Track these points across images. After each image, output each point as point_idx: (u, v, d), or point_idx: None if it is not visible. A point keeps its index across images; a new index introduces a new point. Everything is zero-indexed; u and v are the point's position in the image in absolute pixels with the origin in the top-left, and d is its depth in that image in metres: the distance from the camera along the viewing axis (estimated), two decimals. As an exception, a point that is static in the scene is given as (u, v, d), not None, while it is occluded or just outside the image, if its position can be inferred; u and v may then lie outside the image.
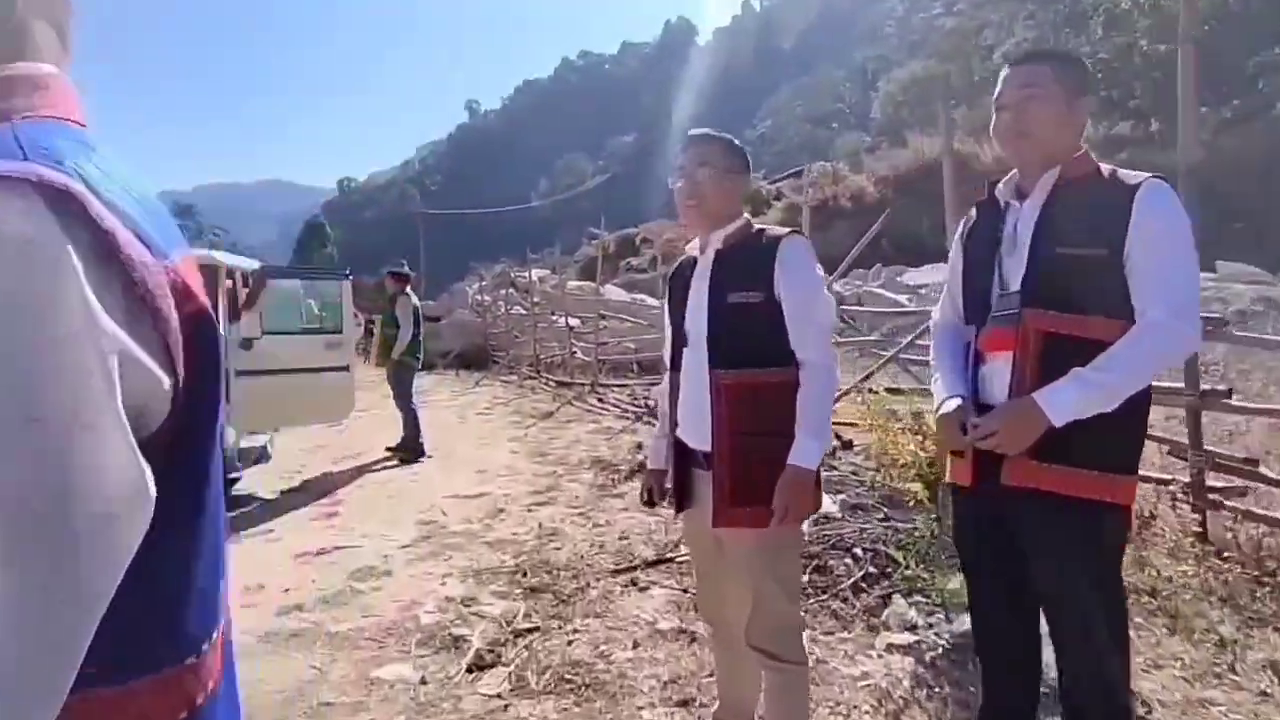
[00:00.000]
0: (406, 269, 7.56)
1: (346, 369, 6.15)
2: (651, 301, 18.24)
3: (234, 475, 5.73)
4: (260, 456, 6.82)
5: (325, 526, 5.06)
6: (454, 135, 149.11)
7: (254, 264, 6.31)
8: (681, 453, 2.10)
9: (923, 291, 19.38)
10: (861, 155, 39.98)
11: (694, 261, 2.08)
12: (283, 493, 6.04)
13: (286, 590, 3.86)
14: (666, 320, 2.19)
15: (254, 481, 6.33)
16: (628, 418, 9.40)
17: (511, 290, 18.96)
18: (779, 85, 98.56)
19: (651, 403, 10.32)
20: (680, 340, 2.07)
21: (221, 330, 5.68)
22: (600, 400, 10.97)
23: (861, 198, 30.15)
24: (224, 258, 5.94)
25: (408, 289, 7.41)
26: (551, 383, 13.63)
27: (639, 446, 7.01)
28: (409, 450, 7.18)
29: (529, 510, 5.23)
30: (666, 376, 2.20)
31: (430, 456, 7.25)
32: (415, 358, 7.39)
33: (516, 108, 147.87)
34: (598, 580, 3.81)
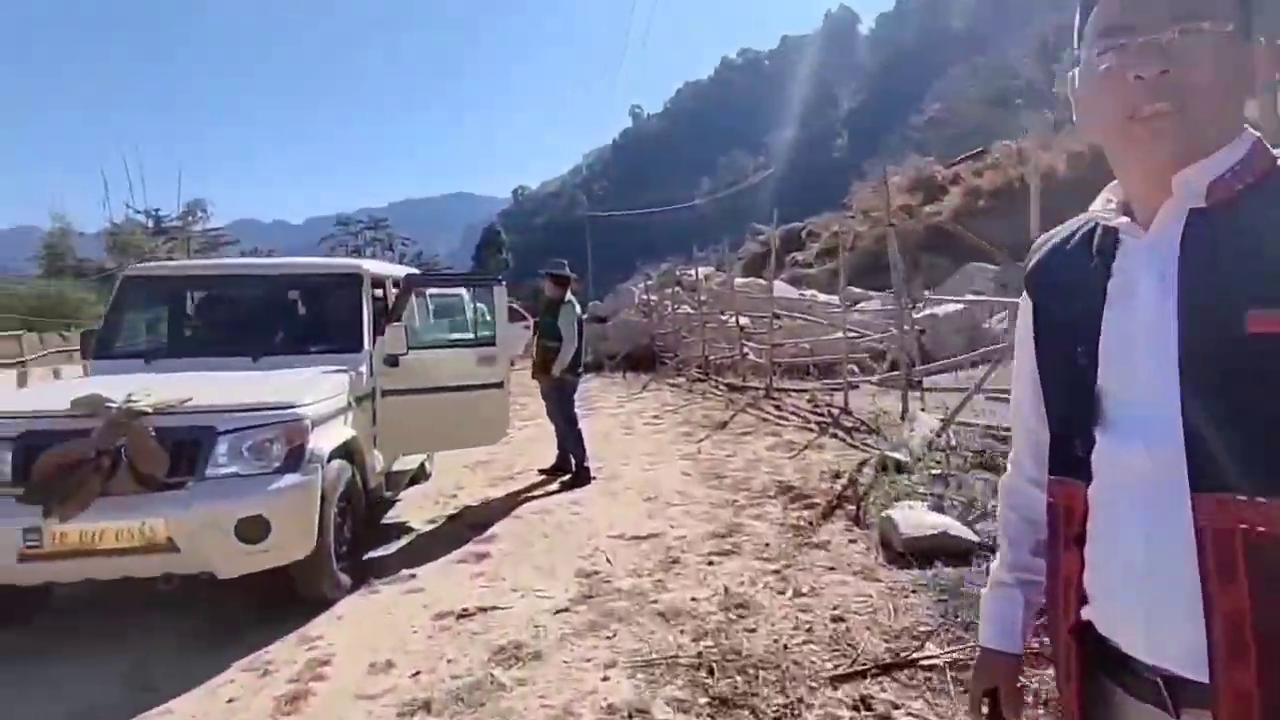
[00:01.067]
0: (567, 269, 6.76)
1: (501, 386, 5.46)
2: (824, 298, 16.76)
3: (387, 499, 5.19)
4: (418, 476, 6.35)
5: (473, 573, 4.34)
6: (618, 140, 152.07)
7: (403, 271, 5.78)
8: (1101, 658, 0.95)
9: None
10: (1043, 135, 35.87)
11: (1114, 241, 0.95)
12: (434, 523, 5.45)
13: (416, 674, 3.10)
14: (1029, 362, 1.04)
15: (409, 507, 5.82)
16: (811, 429, 8.19)
17: (678, 289, 18.16)
18: (948, 67, 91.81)
19: (835, 411, 9.07)
20: (1086, 414, 0.91)
21: (366, 345, 5.22)
22: (778, 407, 9.81)
23: (1054, 176, 26.71)
24: (370, 265, 5.43)
25: (569, 294, 6.63)
26: (722, 386, 12.62)
27: (836, 476, 5.81)
28: (571, 474, 6.43)
29: (709, 563, 4.23)
30: (1021, 476, 1.11)
31: (595, 479, 6.46)
32: (577, 373, 6.61)
33: (678, 110, 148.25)
34: (812, 691, 2.73)
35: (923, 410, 8.00)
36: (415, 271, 5.80)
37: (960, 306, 12.76)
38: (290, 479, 3.69)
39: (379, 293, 5.50)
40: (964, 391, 8.00)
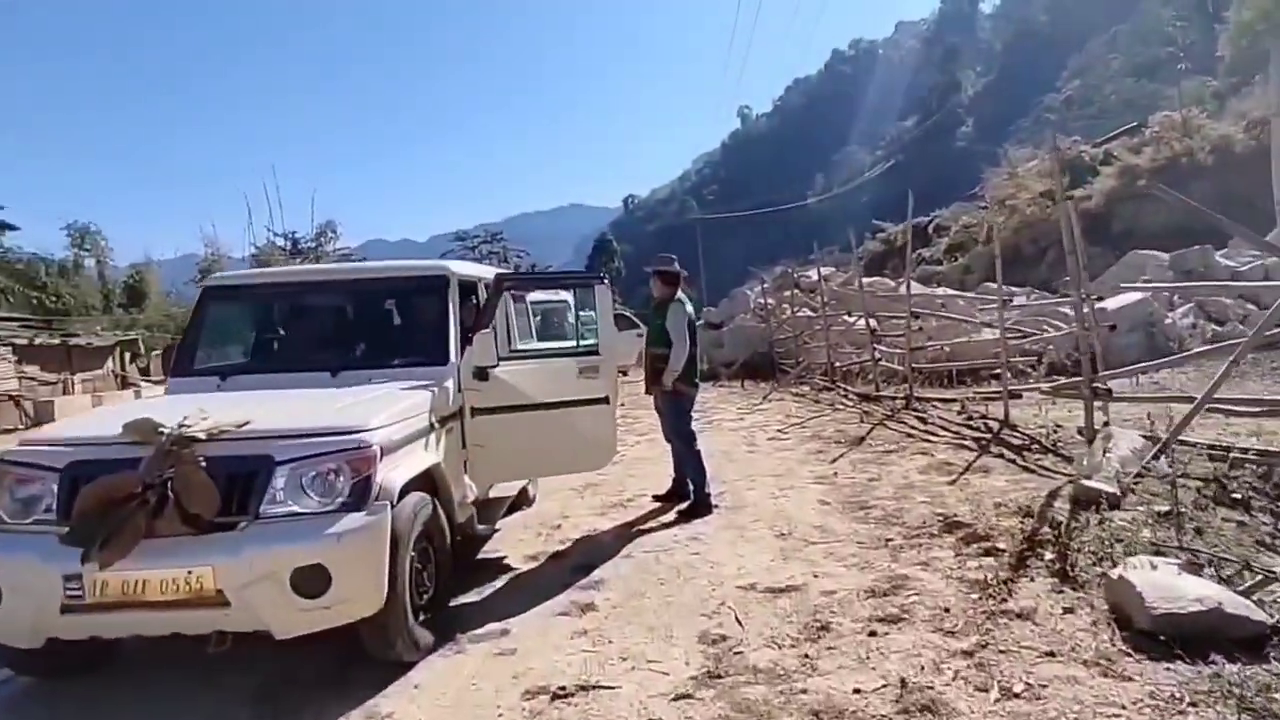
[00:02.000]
0: (676, 265, 5.94)
1: (606, 401, 4.70)
2: (962, 297, 15.13)
3: (481, 534, 4.56)
4: (520, 502, 5.69)
5: (575, 631, 3.58)
6: (727, 144, 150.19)
7: (494, 272, 5.12)
8: None
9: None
10: (1207, 103, 31.98)
11: None
12: (534, 560, 4.75)
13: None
14: None
15: (506, 539, 5.15)
16: (967, 447, 7.00)
17: (796, 291, 16.94)
18: (1086, 39, 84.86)
19: (994, 425, 7.76)
20: None
21: (452, 357, 4.58)
22: (922, 420, 8.61)
23: (1228, 148, 23.43)
24: (458, 267, 4.80)
25: (680, 293, 5.80)
26: (852, 396, 11.45)
27: (1021, 512, 4.67)
28: (690, 503, 5.59)
29: (870, 633, 3.27)
30: None
31: (717, 508, 5.60)
32: (694, 383, 5.76)
33: (788, 108, 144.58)
34: None
35: (1107, 423, 6.66)
36: (507, 270, 5.13)
37: (1136, 298, 10.99)
38: (353, 519, 3.05)
39: (472, 300, 4.88)
40: (1157, 400, 6.62)
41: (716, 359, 16.76)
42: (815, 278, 17.32)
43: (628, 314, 17.93)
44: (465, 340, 4.37)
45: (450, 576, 3.83)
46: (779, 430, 9.23)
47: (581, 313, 5.41)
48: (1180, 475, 4.56)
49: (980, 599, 3.47)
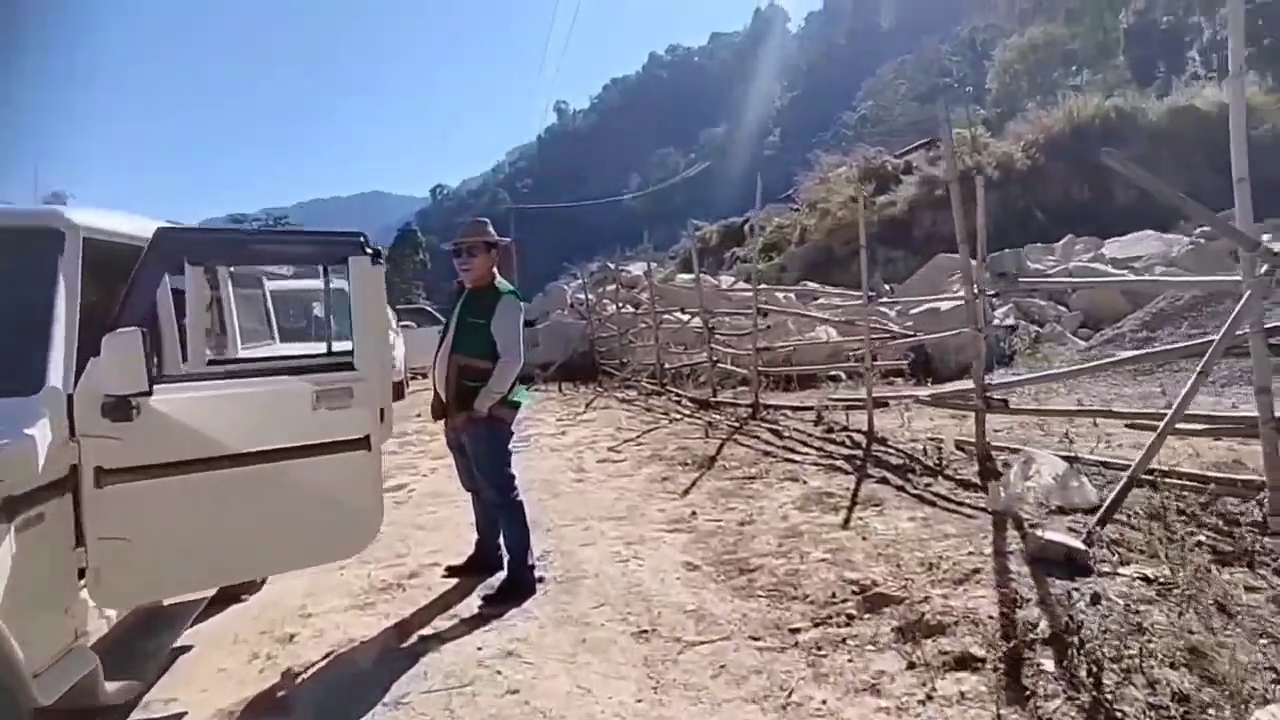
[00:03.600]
0: (490, 228, 4.01)
1: (366, 445, 2.85)
2: (799, 293, 14.52)
3: (116, 699, 2.52)
4: (240, 589, 3.63)
5: None
6: (543, 137, 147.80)
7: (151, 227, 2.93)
8: None
9: (1138, 266, 14.92)
10: (978, 127, 35.20)
11: None
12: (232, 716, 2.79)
13: None
14: None
15: (202, 670, 3.13)
16: (841, 468, 5.84)
17: (618, 286, 15.56)
18: (878, 65, 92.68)
19: (860, 438, 6.74)
20: None
21: (53, 378, 2.38)
22: (775, 433, 7.44)
23: (1011, 165, 25.44)
24: (83, 215, 2.67)
25: (497, 280, 4.02)
26: (687, 402, 10.20)
27: (968, 582, 3.39)
28: (504, 580, 3.84)
29: None
30: None
31: (542, 581, 3.91)
32: (514, 403, 3.96)
33: (606, 106, 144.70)
34: None
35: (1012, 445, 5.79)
36: (178, 225, 3.01)
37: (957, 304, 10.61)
38: None
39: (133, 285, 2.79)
40: (1061, 413, 5.84)
41: (531, 360, 15.05)
42: (639, 273, 16.15)
43: (429, 309, 15.79)
44: (89, 349, 2.35)
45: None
46: (610, 449, 7.67)
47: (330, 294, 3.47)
48: (1159, 513, 3.52)
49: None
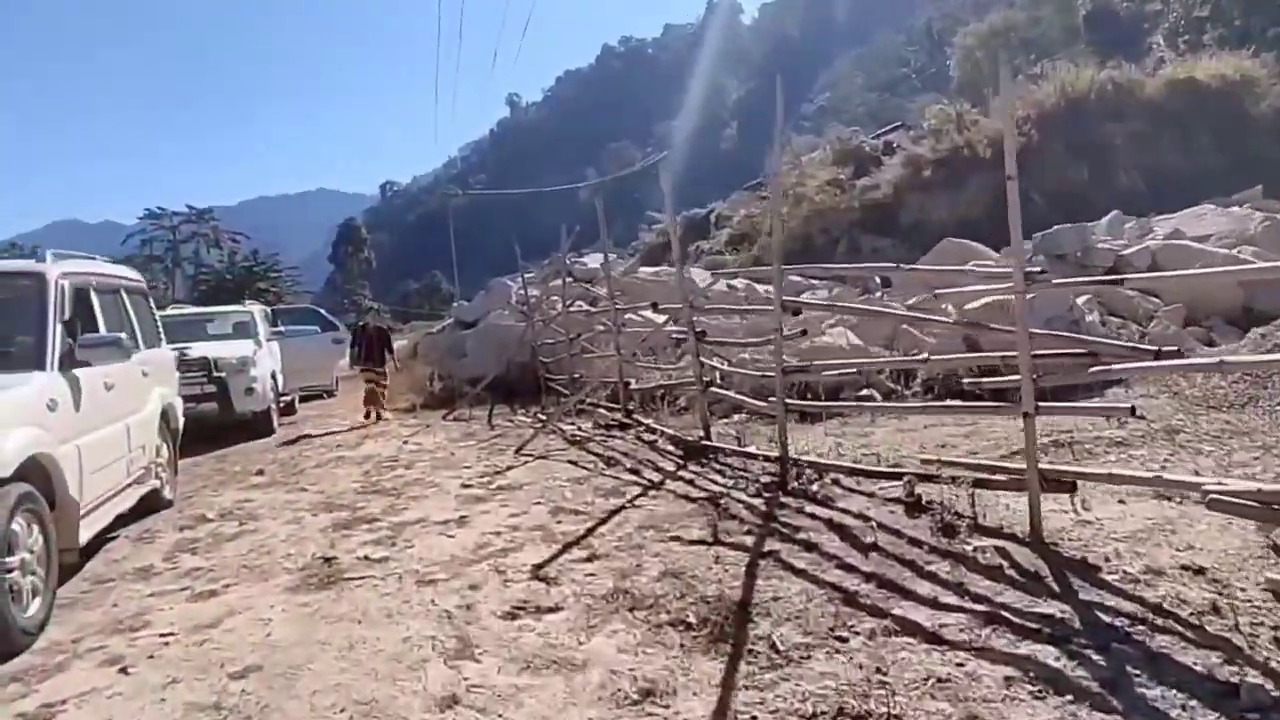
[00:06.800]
0: None
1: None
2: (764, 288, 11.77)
3: None
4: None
5: None
6: (495, 131, 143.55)
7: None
8: None
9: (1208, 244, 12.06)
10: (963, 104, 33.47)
11: None
12: None
13: None
14: None
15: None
16: (1037, 657, 3.02)
17: (569, 280, 12.37)
18: (835, 57, 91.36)
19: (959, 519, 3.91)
20: None
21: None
22: (848, 537, 4.43)
23: (1001, 143, 23.20)
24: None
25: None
26: (667, 446, 7.21)
27: None
28: None
29: None
30: None
31: None
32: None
33: (559, 98, 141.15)
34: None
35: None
36: None
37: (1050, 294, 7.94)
38: None
39: None
40: None
41: (458, 373, 11.94)
42: (595, 265, 13.21)
43: (320, 311, 12.81)
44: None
45: None
46: (537, 571, 4.26)
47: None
48: None
49: None
